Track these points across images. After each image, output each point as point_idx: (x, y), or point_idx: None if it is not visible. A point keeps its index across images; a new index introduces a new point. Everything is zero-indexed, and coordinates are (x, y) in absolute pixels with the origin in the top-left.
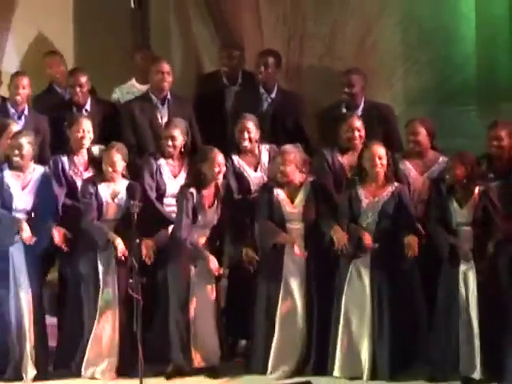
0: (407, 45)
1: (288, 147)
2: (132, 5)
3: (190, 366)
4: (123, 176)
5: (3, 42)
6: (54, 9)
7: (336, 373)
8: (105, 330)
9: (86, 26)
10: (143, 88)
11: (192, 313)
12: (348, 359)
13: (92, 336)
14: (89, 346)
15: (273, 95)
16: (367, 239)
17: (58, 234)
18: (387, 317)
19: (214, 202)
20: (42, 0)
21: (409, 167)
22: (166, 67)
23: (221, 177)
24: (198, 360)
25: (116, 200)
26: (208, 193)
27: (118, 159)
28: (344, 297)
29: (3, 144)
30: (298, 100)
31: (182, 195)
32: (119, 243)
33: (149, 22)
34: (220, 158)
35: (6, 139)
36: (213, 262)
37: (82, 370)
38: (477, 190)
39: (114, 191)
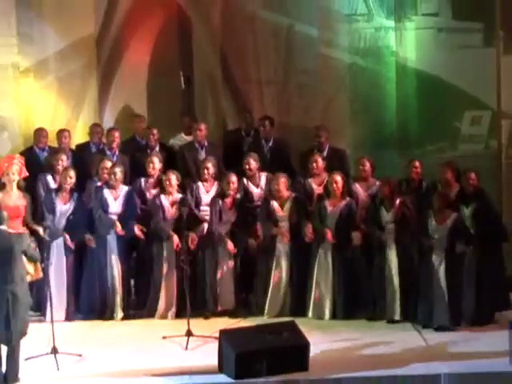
0: (354, 111)
1: (280, 173)
2: (183, 86)
3: (217, 309)
4: (177, 191)
5: (103, 110)
6: (135, 88)
7: (309, 315)
8: (169, 288)
9: (155, 100)
10: (187, 138)
11: (219, 276)
12: (317, 307)
13: (162, 292)
14: (160, 298)
15: (270, 144)
16: (329, 235)
17: (137, 229)
18: (342, 280)
19: (232, 207)
20: (128, 84)
21: (357, 187)
22: (200, 127)
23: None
24: (221, 305)
25: (174, 207)
26: (229, 201)
27: (174, 179)
28: (315, 268)
29: (102, 173)
30: (285, 145)
31: (212, 203)
32: (175, 238)
33: (194, 97)
34: (233, 179)
35: (103, 170)
36: (230, 245)
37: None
38: (398, 201)
39: (171, 201)
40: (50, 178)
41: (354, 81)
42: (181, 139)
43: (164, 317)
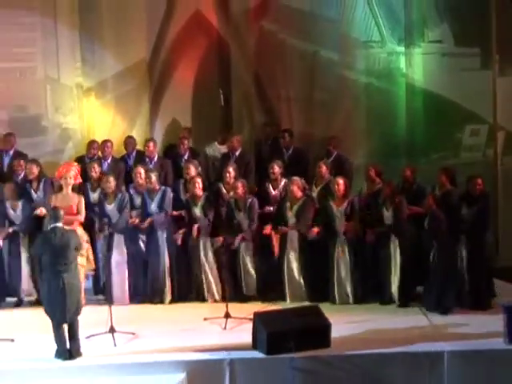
0: (369, 124)
1: (295, 177)
2: (222, 103)
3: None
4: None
5: (154, 124)
6: (181, 104)
7: (336, 301)
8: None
9: (198, 115)
10: (220, 147)
11: (247, 266)
12: (339, 294)
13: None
14: (202, 285)
15: (290, 152)
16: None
17: (175, 212)
18: (357, 270)
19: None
20: (175, 101)
21: (364, 189)
22: (235, 139)
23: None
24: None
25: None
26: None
27: (199, 182)
28: (335, 262)
29: (136, 177)
30: (303, 154)
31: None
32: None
33: (231, 112)
34: (238, 185)
35: (136, 175)
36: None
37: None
38: (396, 200)
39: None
40: (88, 185)
41: (369, 98)
42: (214, 148)
43: (205, 300)
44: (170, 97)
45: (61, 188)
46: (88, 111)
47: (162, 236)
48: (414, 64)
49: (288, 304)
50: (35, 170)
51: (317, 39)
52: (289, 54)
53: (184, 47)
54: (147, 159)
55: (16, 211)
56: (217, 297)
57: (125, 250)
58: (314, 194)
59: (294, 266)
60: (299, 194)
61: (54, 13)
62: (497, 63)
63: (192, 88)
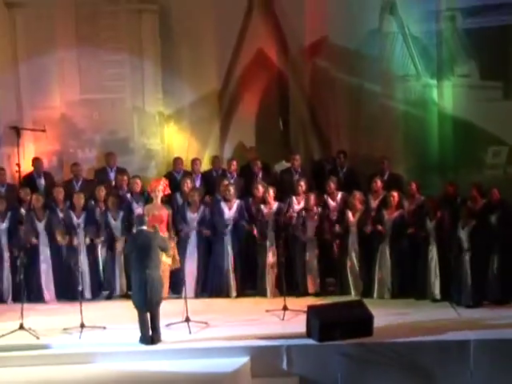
0: (406, 145)
1: (356, 191)
2: (281, 128)
3: (306, 291)
4: (275, 200)
5: (223, 145)
6: (247, 129)
7: (374, 295)
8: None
9: (261, 137)
10: (287, 164)
11: (307, 266)
12: (379, 289)
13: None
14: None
15: (344, 170)
16: (380, 228)
17: (249, 228)
18: (396, 268)
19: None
20: (242, 126)
21: (406, 202)
22: (296, 158)
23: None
24: (311, 288)
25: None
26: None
27: (271, 192)
28: (377, 260)
29: (222, 190)
30: (355, 172)
31: (298, 214)
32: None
33: (289, 136)
34: (311, 197)
35: (222, 187)
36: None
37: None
38: (439, 213)
39: (269, 208)
40: (178, 195)
41: (407, 124)
42: (281, 165)
43: (267, 295)
44: (237, 122)
45: (152, 199)
46: (168, 135)
47: (228, 237)
48: (445, 95)
49: (340, 298)
50: (140, 185)
51: (362, 74)
52: (338, 86)
53: (249, 80)
54: (229, 175)
55: (117, 221)
56: (273, 292)
57: (196, 250)
58: (373, 205)
59: (355, 263)
60: (359, 206)
61: (140, 51)
62: None
63: (256, 115)
